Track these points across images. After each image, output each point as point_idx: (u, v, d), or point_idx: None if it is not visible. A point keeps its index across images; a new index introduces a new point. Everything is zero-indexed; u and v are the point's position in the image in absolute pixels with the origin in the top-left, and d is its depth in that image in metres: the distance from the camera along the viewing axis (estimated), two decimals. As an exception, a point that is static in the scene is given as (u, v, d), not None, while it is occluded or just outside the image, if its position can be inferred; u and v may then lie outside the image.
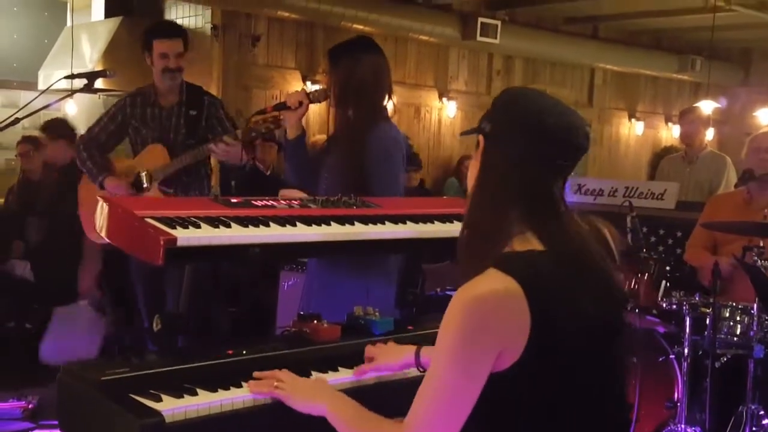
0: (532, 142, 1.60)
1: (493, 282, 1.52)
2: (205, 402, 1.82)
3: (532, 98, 1.67)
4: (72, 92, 4.11)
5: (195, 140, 3.92)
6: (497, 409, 1.58)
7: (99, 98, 8.75)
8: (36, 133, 7.12)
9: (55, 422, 4.02)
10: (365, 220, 2.40)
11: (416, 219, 2.51)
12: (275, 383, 1.88)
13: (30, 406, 4.35)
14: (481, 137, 1.67)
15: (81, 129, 8.90)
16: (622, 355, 1.76)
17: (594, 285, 1.62)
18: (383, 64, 3.17)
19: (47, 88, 4.05)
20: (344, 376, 2.11)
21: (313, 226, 2.25)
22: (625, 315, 1.74)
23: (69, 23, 9.00)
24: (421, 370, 2.03)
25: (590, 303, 1.59)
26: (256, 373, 1.94)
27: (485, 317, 1.50)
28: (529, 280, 1.52)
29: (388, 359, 2.09)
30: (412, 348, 2.08)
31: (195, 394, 1.85)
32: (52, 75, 8.02)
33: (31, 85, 8.52)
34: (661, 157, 8.80)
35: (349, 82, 3.07)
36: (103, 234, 2.07)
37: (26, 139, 6.49)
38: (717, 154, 6.16)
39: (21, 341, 5.89)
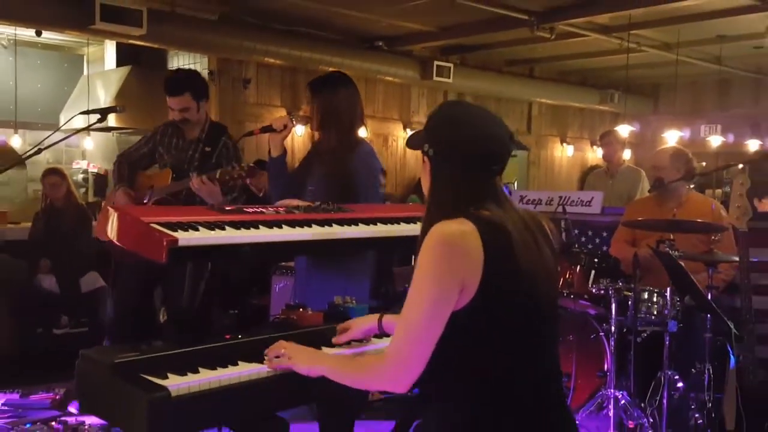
0: (468, 159, 1.65)
1: (457, 223, 1.58)
2: (205, 378, 1.77)
3: (463, 119, 1.68)
4: (89, 128, 4.01)
5: (203, 173, 3.83)
6: (450, 344, 1.58)
7: (113, 135, 8.67)
8: (59, 165, 7.06)
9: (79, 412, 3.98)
10: (341, 222, 2.37)
11: (385, 221, 2.49)
12: (282, 350, 1.85)
13: (57, 397, 4.30)
14: (426, 157, 1.70)
15: (96, 162, 8.85)
16: (557, 316, 1.78)
17: (532, 253, 1.62)
18: (356, 95, 3.17)
19: (65, 123, 3.95)
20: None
21: (297, 228, 2.22)
22: (558, 285, 1.75)
23: (85, 72, 8.94)
24: (382, 334, 2.08)
25: (530, 264, 1.60)
26: (266, 351, 1.90)
27: (451, 247, 1.54)
28: (482, 227, 1.57)
29: (359, 328, 2.10)
30: (376, 316, 2.08)
31: (197, 372, 1.80)
32: (72, 118, 7.95)
33: (53, 126, 8.42)
34: (587, 173, 8.91)
35: (328, 109, 3.06)
36: (113, 238, 2.02)
37: (53, 171, 6.41)
38: (633, 169, 6.24)
39: (49, 344, 5.80)
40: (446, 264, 1.53)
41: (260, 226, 2.13)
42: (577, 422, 3.68)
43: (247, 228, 2.08)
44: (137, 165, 4.05)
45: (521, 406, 1.61)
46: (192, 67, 7.97)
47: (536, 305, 1.62)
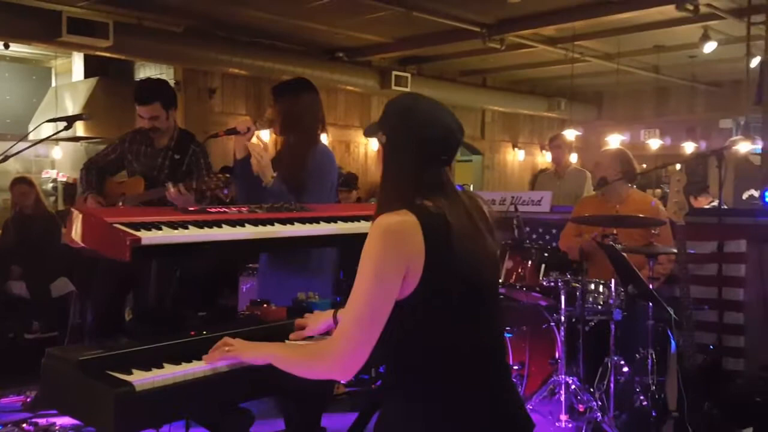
0: (420, 148, 1.65)
1: (399, 215, 1.57)
2: (170, 373, 1.72)
3: (415, 110, 1.68)
4: (54, 136, 3.87)
5: (173, 180, 3.65)
6: (396, 332, 1.56)
7: (81, 145, 8.48)
8: (28, 174, 6.87)
9: (49, 412, 3.86)
10: (303, 220, 2.34)
11: (345, 219, 2.46)
12: (226, 348, 1.81)
13: (28, 400, 4.16)
14: (380, 143, 1.70)
15: (65, 171, 8.66)
16: (497, 297, 1.79)
17: (473, 242, 1.62)
18: (317, 99, 3.13)
19: (32, 130, 3.84)
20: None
21: (260, 226, 2.18)
22: (499, 272, 1.74)
23: (53, 84, 8.74)
24: None
25: (470, 253, 1.60)
26: (211, 349, 1.85)
27: (394, 237, 1.54)
28: (424, 219, 1.57)
29: (315, 325, 2.05)
30: (330, 312, 2.04)
31: (161, 367, 1.75)
32: (41, 128, 7.78)
33: (22, 137, 8.24)
34: (537, 175, 8.99)
35: (290, 113, 3.01)
36: (78, 239, 1.96)
37: (22, 180, 6.22)
38: (580, 170, 6.32)
39: (20, 349, 5.64)
40: (388, 253, 1.52)
41: (223, 225, 2.08)
42: (528, 405, 3.70)
43: (210, 227, 2.04)
44: (105, 172, 3.95)
45: (467, 385, 1.60)
46: (158, 77, 7.84)
47: (476, 291, 1.62)
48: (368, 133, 1.78)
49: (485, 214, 1.73)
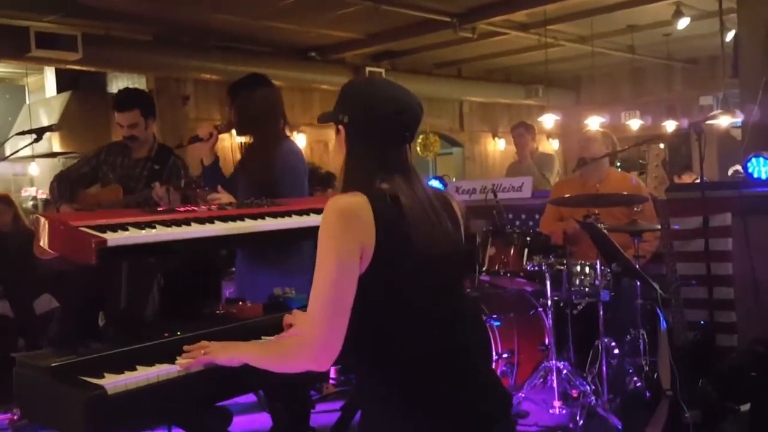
0: (382, 127, 1.66)
1: (349, 196, 1.59)
2: (143, 375, 1.69)
3: (374, 89, 1.70)
4: (26, 147, 3.84)
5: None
6: (363, 307, 1.55)
7: (59, 161, 8.40)
8: (5, 192, 6.80)
9: (36, 429, 3.81)
10: (275, 215, 2.31)
11: (318, 211, 2.42)
12: (202, 351, 1.78)
13: (15, 417, 4.12)
14: (341, 126, 1.69)
15: (44, 188, 8.60)
16: (462, 290, 1.78)
17: (427, 224, 1.62)
18: (274, 94, 3.03)
19: (8, 155, 3.79)
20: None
21: (229, 222, 2.15)
22: (457, 255, 1.71)
23: (27, 101, 8.67)
24: None
25: (424, 235, 1.60)
26: (185, 347, 1.82)
27: (346, 217, 1.55)
28: (374, 198, 1.58)
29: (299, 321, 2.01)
30: None
31: (134, 369, 1.72)
32: (18, 145, 7.74)
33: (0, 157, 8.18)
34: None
35: (245, 112, 2.95)
36: (45, 246, 1.92)
37: (-1, 199, 6.16)
38: (546, 154, 6.33)
39: (6, 367, 5.56)
40: (341, 232, 1.53)
41: (192, 223, 2.05)
42: (520, 393, 3.67)
43: (179, 225, 2.01)
44: (77, 184, 3.90)
45: (427, 366, 1.59)
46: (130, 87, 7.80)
47: (429, 266, 1.60)
48: (324, 119, 1.76)
49: (450, 204, 1.73)
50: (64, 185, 3.85)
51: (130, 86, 7.64)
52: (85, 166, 3.88)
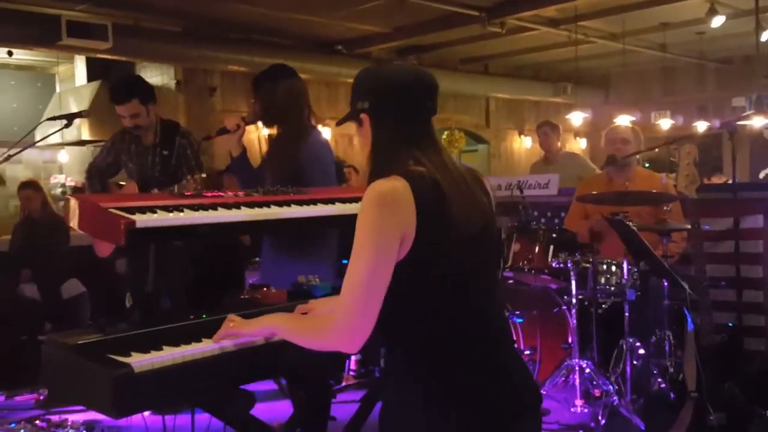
0: (403, 100, 1.66)
1: (389, 181, 1.57)
2: (168, 354, 1.72)
3: (385, 68, 1.74)
4: (56, 132, 3.90)
5: (166, 177, 3.66)
6: (401, 294, 1.55)
7: (87, 149, 8.54)
8: (34, 178, 6.93)
9: (62, 408, 3.89)
10: (300, 202, 2.33)
11: (343, 200, 2.45)
12: (231, 324, 1.81)
13: (41, 398, 4.22)
14: (363, 116, 1.69)
15: (73, 176, 8.73)
16: (495, 268, 1.79)
17: (466, 203, 1.61)
18: (298, 85, 3.05)
19: (37, 140, 3.84)
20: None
21: (256, 208, 2.18)
22: (495, 235, 1.71)
23: (58, 90, 8.81)
24: None
25: (463, 215, 1.59)
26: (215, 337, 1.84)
27: (387, 204, 1.53)
28: (414, 183, 1.56)
29: (322, 309, 2.01)
30: (338, 298, 2.01)
31: (160, 349, 1.75)
32: (47, 131, 7.86)
33: (30, 144, 8.30)
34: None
35: (270, 104, 2.97)
36: (75, 225, 1.96)
37: (27, 184, 6.33)
38: (573, 154, 6.30)
39: (33, 350, 5.67)
40: (385, 220, 1.52)
41: (219, 208, 2.08)
42: (542, 391, 3.66)
43: (206, 209, 2.04)
44: (105, 175, 3.95)
45: (472, 355, 1.59)
46: (159, 77, 7.87)
47: (472, 255, 1.60)
48: (343, 120, 1.77)
49: (481, 180, 1.72)
50: (95, 179, 3.90)
51: (159, 76, 7.76)
52: (108, 156, 3.92)
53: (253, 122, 3.09)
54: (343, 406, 3.58)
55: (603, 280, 3.83)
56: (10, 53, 7.35)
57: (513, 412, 1.60)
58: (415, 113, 1.66)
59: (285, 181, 2.75)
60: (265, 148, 3.09)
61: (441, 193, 1.57)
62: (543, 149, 6.28)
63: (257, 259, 4.81)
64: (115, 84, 3.98)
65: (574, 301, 3.77)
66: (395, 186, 1.54)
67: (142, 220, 1.84)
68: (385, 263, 1.52)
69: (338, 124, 1.84)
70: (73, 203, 1.98)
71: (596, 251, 3.83)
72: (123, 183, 3.91)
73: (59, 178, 8.69)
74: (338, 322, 1.54)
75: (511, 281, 4.18)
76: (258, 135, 3.35)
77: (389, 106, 1.65)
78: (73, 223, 1.98)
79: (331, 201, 2.40)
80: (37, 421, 3.74)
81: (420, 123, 1.66)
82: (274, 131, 3.03)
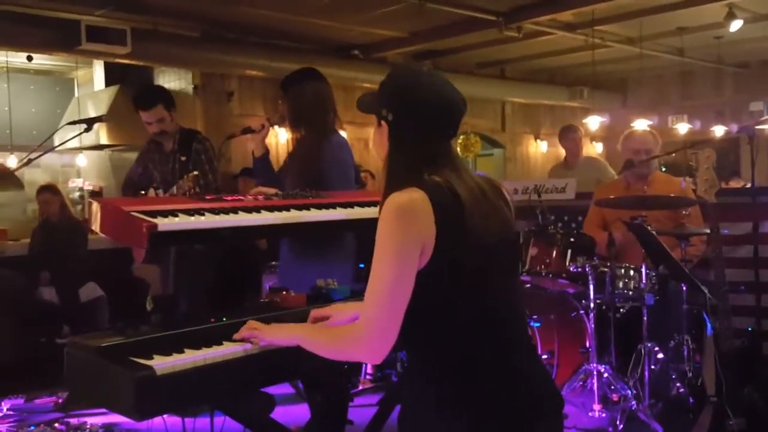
0: (426, 122, 1.64)
1: (407, 192, 1.56)
2: (190, 357, 1.73)
3: (420, 83, 1.67)
4: (75, 137, 3.96)
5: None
6: (420, 301, 1.54)
7: (105, 153, 8.60)
8: (52, 182, 7.01)
9: (81, 411, 3.92)
10: (319, 206, 2.34)
11: (362, 204, 2.45)
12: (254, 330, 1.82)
13: (59, 401, 4.26)
14: (383, 122, 1.68)
15: (91, 180, 8.80)
16: (514, 275, 1.79)
17: (485, 213, 1.61)
18: (325, 88, 3.09)
19: (56, 145, 3.87)
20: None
21: (275, 212, 2.19)
22: (515, 243, 1.71)
23: (76, 94, 8.89)
24: None
25: (482, 227, 1.59)
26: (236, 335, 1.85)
27: (407, 215, 1.53)
28: (432, 194, 1.56)
29: (340, 315, 2.01)
30: (356, 305, 2.00)
31: (182, 352, 1.75)
32: (65, 135, 7.95)
33: (49, 148, 8.38)
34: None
35: (297, 106, 3.00)
36: (96, 229, 1.98)
37: (46, 188, 6.42)
38: (593, 158, 6.27)
39: (51, 353, 5.72)
40: (405, 231, 1.52)
41: (239, 212, 2.09)
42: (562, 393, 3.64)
43: (227, 213, 2.05)
44: (139, 187, 4.01)
45: (487, 359, 1.58)
46: (177, 82, 7.93)
47: (492, 264, 1.60)
48: (365, 108, 1.75)
49: (500, 190, 1.71)
50: (129, 193, 3.97)
51: (176, 81, 7.81)
52: (139, 167, 4.02)
53: (279, 124, 3.13)
54: (360, 410, 3.58)
55: (621, 285, 3.81)
56: (29, 58, 7.43)
57: (529, 415, 1.59)
58: (435, 137, 1.65)
59: (306, 182, 2.77)
60: (282, 153, 3.12)
61: (459, 201, 1.57)
62: (570, 155, 6.25)
63: (274, 263, 4.84)
64: (139, 91, 4.08)
65: (592, 305, 3.75)
66: (413, 197, 1.54)
67: (164, 223, 1.85)
68: (407, 275, 1.52)
69: (360, 106, 1.79)
70: (95, 207, 2.00)
71: (615, 255, 3.81)
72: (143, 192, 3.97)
73: (77, 182, 8.77)
74: (362, 334, 1.55)
75: (528, 285, 4.17)
76: (277, 141, 3.38)
77: (410, 126, 1.64)
78: (95, 226, 2.00)
79: (350, 205, 2.41)
80: (56, 424, 3.77)
81: (438, 144, 1.65)
82: (296, 134, 3.06)
